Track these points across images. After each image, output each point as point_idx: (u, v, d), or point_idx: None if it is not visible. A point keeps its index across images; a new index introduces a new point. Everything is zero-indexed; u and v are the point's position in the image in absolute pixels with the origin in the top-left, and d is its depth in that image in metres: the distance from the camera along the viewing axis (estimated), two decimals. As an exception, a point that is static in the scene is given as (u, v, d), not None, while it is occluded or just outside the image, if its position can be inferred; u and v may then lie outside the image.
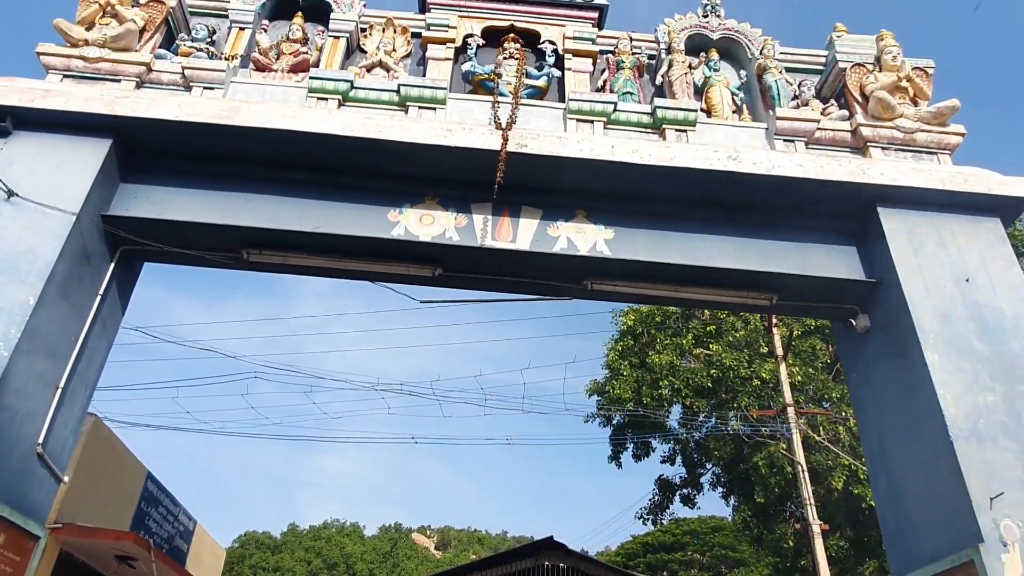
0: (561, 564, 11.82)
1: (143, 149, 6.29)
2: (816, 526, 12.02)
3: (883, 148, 6.43)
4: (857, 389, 6.42)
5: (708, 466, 20.15)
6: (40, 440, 5.51)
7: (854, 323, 6.20)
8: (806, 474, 12.79)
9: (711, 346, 17.95)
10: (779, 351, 14.58)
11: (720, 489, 20.17)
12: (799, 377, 16.36)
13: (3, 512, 5.06)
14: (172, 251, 6.34)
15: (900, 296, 5.67)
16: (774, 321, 15.05)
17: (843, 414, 15.67)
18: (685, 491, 20.50)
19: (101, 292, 6.12)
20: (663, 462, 20.33)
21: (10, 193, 5.71)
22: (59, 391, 5.69)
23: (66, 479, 6.06)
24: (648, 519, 20.97)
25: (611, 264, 6.24)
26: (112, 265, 6.29)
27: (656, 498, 20.69)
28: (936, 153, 6.45)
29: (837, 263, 6.21)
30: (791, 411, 13.52)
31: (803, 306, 6.68)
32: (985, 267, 5.78)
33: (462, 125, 6.29)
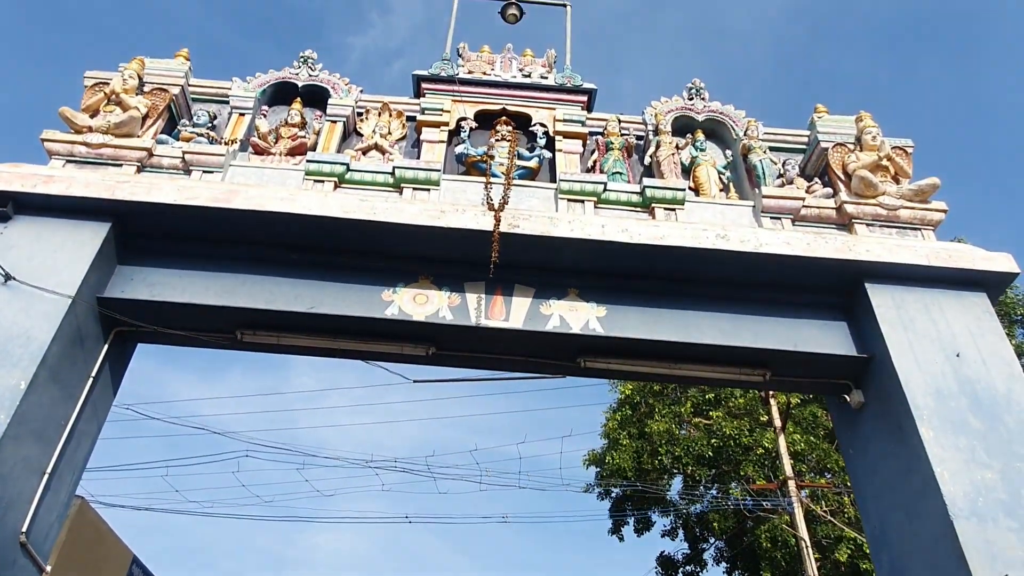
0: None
1: (141, 232, 6.38)
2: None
3: (868, 224, 6.56)
4: (854, 466, 6.36)
5: (711, 540, 19.67)
6: (24, 528, 5.40)
7: (848, 399, 6.20)
8: (810, 549, 12.50)
9: (711, 414, 17.81)
10: (777, 422, 14.46)
11: (724, 565, 19.63)
12: (801, 446, 16.17)
13: (-21, 607, 4.91)
14: (166, 332, 6.36)
15: (892, 371, 5.69)
16: (771, 393, 14.98)
17: (846, 485, 15.43)
18: (688, 568, 19.94)
19: (93, 374, 6.10)
20: (664, 536, 19.86)
21: (7, 277, 5.77)
22: (46, 476, 5.61)
23: (48, 568, 5.90)
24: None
25: (604, 342, 6.26)
26: (105, 347, 6.28)
27: (658, 576, 20.09)
28: (920, 229, 6.58)
29: (828, 339, 6.24)
30: (792, 484, 13.30)
31: (796, 382, 6.68)
32: (975, 342, 5.82)
33: (455, 206, 6.42)
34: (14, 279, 5.79)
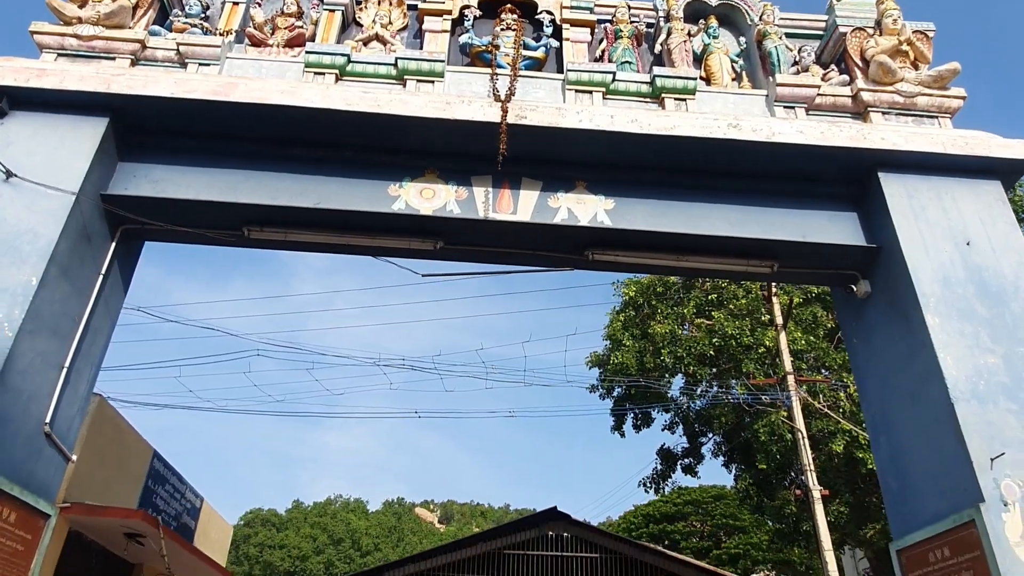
0: (565, 534, 11.96)
1: (140, 127, 6.25)
2: (816, 492, 12.16)
3: (884, 113, 6.40)
4: (857, 355, 6.45)
5: (709, 435, 20.35)
6: (47, 420, 5.55)
7: (855, 289, 6.22)
8: (806, 440, 12.91)
9: (713, 315, 18.03)
10: (779, 320, 14.63)
11: (721, 458, 20.39)
12: (801, 344, 16.44)
13: (13, 491, 5.11)
14: (173, 229, 6.33)
15: (901, 261, 5.69)
16: (774, 290, 15.07)
17: (843, 381, 15.79)
18: (687, 461, 20.71)
19: (103, 272, 6.12)
20: (664, 430, 20.53)
21: (8, 174, 5.69)
22: (64, 371, 5.72)
23: (74, 458, 6.11)
24: (651, 488, 21.19)
25: (612, 234, 6.24)
26: (113, 244, 6.28)
27: (658, 468, 20.91)
28: (937, 117, 6.43)
29: (838, 229, 6.21)
30: (791, 379, 13.59)
31: (804, 273, 6.69)
32: (986, 230, 5.79)
33: (461, 98, 6.25)
34: (16, 176, 5.72)
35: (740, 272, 6.62)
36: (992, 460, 4.78)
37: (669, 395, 19.78)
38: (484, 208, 6.19)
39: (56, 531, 8.07)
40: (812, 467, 12.75)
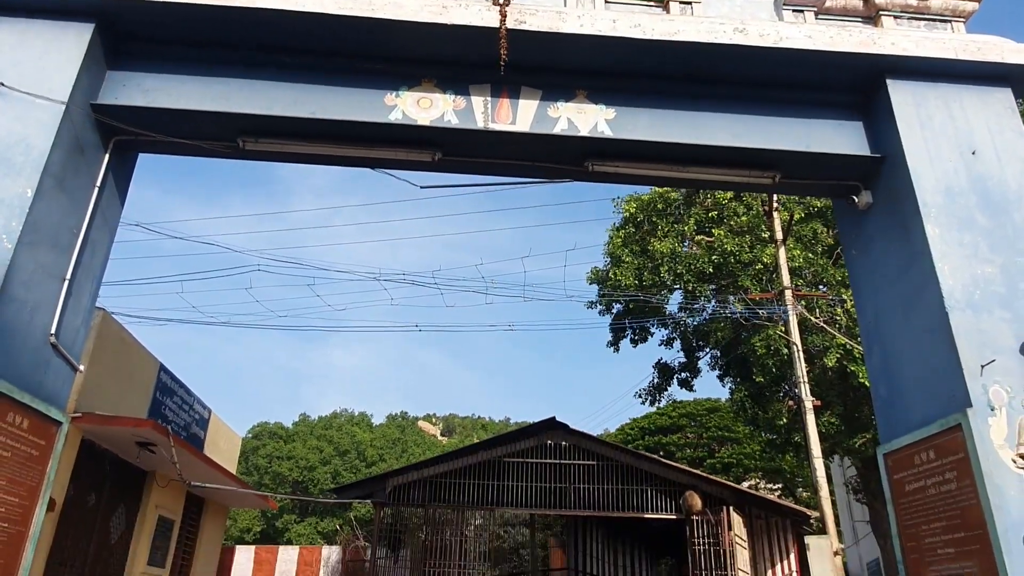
0: (563, 443, 12.33)
1: (128, 33, 6.06)
2: (809, 402, 12.47)
3: (895, 17, 6.19)
4: (855, 266, 6.47)
5: (706, 350, 20.68)
6: (52, 330, 5.62)
7: (856, 200, 6.18)
8: (801, 353, 13.14)
9: (713, 232, 18.00)
10: (779, 235, 14.61)
11: (717, 372, 20.80)
12: (799, 261, 16.50)
13: (23, 399, 5.22)
14: (166, 141, 6.23)
15: (904, 170, 5.63)
16: (775, 205, 14.99)
17: (841, 296, 15.92)
18: (683, 375, 21.13)
19: (98, 184, 6.06)
20: (661, 345, 20.85)
21: (-4, 83, 5.56)
22: (66, 282, 5.74)
23: (81, 368, 6.22)
24: (647, 400, 21.71)
25: (612, 144, 6.14)
26: (107, 156, 6.19)
27: (655, 381, 21.36)
28: (950, 21, 6.22)
29: (842, 138, 6.11)
30: (788, 294, 13.70)
31: (806, 184, 6.63)
32: (992, 139, 5.70)
33: (457, 1, 6.02)
34: (3, 85, 5.59)
35: (742, 183, 6.55)
36: (983, 367, 4.87)
37: (667, 312, 19.99)
38: (483, 118, 6.07)
39: (69, 439, 8.34)
40: (806, 379, 13.03)
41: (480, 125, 6.05)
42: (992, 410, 4.77)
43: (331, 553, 16.25)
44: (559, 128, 6.07)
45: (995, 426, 4.72)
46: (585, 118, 6.10)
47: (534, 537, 18.74)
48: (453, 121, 6.07)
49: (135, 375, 10.17)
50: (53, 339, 5.63)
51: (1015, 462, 4.59)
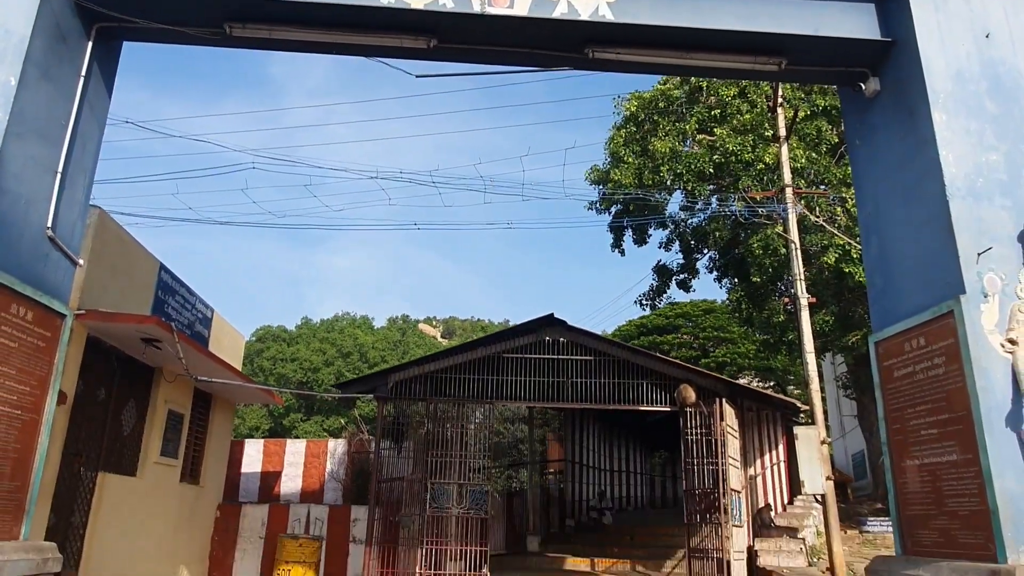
0: (561, 339, 12.54)
1: (101, -92, 5.72)
2: (804, 299, 12.60)
3: None
4: (858, 156, 6.38)
5: (704, 251, 20.74)
6: (48, 224, 5.60)
7: (863, 87, 6.02)
8: (799, 250, 13.16)
9: (715, 130, 17.66)
10: (782, 131, 14.33)
11: (715, 273, 20.93)
12: (802, 161, 16.28)
13: (26, 291, 5.27)
14: (150, 27, 5.99)
15: (915, 55, 5.45)
16: (779, 101, 14.63)
17: (841, 195, 15.80)
18: (681, 276, 21.27)
19: (83, 72, 5.89)
20: (660, 247, 20.88)
21: (-34, -38, 5.29)
22: (58, 175, 5.68)
23: (81, 262, 6.24)
24: (646, 305, 21.95)
25: (614, 29, 5.91)
26: (90, 44, 5.98)
27: (654, 284, 21.52)
28: None
29: (852, 22, 5.88)
30: (789, 191, 13.59)
31: (812, 71, 6.44)
32: (1008, 21, 5.49)
33: None
34: (-26, -35, 5.32)
35: (747, 70, 6.36)
36: (979, 255, 4.89)
37: (667, 212, 19.90)
38: (479, 2, 5.82)
39: (75, 336, 8.47)
40: (802, 277, 13.11)
41: (477, 9, 5.81)
42: (985, 297, 4.82)
43: (337, 446, 16.85)
44: (559, 12, 5.83)
45: (987, 312, 4.78)
46: (586, 1, 5.85)
47: (532, 431, 19.40)
48: (448, 5, 5.82)
49: (135, 274, 10.21)
50: (50, 232, 5.62)
51: (1003, 346, 4.68)
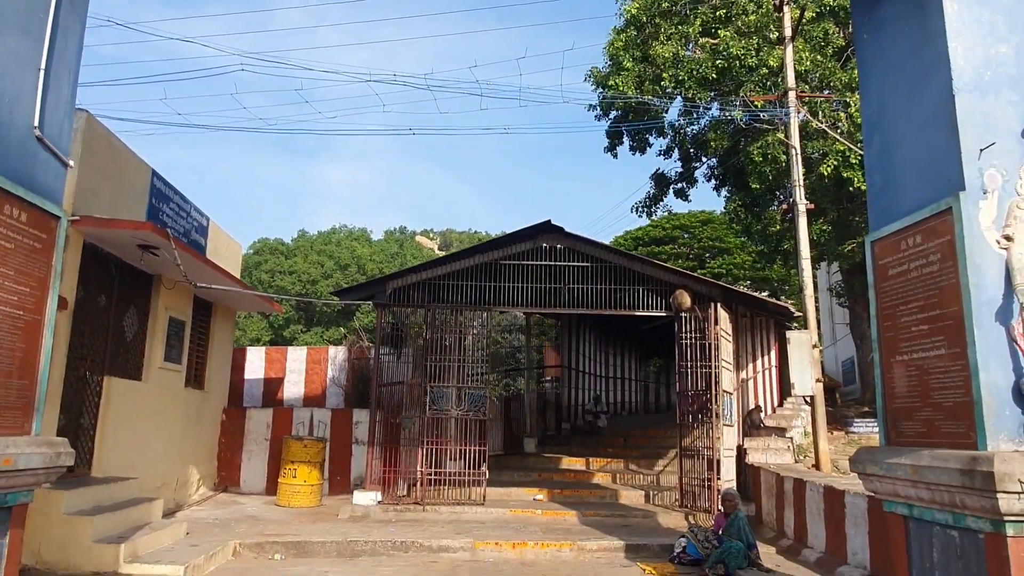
0: (558, 245, 12.54)
1: None
2: (802, 205, 12.54)
3: None
4: (865, 52, 6.19)
5: (703, 159, 20.49)
6: (35, 123, 5.48)
7: (874, -23, 5.78)
8: (799, 155, 13.00)
9: (719, 33, 17.11)
10: (788, 32, 13.88)
11: (714, 182, 20.75)
12: (807, 64, 15.84)
13: (17, 191, 5.21)
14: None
15: (929, -60, 5.20)
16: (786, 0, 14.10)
17: (845, 100, 15.48)
18: (679, 185, 21.10)
19: (58, -39, 5.63)
20: (659, 156, 20.63)
21: None
22: (42, 72, 5.51)
23: (71, 163, 6.15)
24: (643, 213, 21.86)
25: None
26: (64, -70, 5.69)
27: (651, 192, 21.37)
28: None
29: (866, -95, 5.59)
30: (792, 95, 13.29)
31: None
32: (1029, -97, 5.21)
33: None
34: None
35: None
36: (981, 151, 4.82)
37: (666, 119, 19.53)
38: None
39: (72, 243, 8.47)
40: (801, 183, 13.01)
41: None
42: (984, 193, 4.78)
43: (337, 353, 17.14)
44: None
45: (985, 208, 4.76)
46: None
47: (529, 339, 19.72)
48: None
49: (128, 180, 10.10)
50: (37, 132, 5.50)
51: (999, 243, 4.69)
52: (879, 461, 5.21)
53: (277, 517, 11.01)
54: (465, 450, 12.07)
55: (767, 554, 9.20)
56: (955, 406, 4.69)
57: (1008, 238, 4.68)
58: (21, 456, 4.99)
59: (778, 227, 18.54)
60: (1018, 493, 4.13)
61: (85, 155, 8.70)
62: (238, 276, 13.99)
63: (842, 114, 15.92)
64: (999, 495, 4.13)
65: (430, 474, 11.95)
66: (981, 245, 4.69)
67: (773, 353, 15.27)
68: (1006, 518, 4.17)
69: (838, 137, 14.87)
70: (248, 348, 17.80)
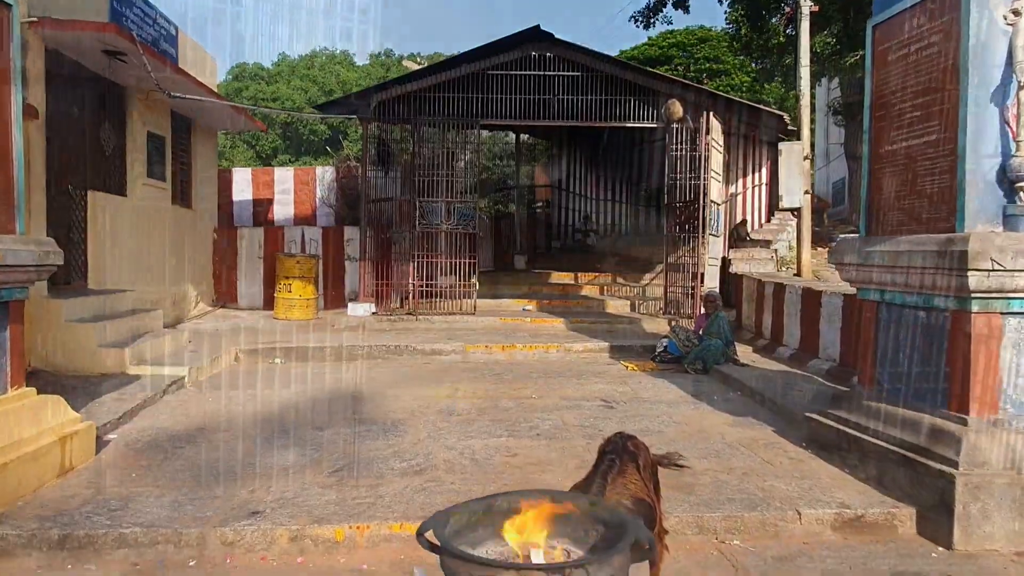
0: (548, 54, 11.96)
1: None
2: (807, 7, 11.84)
3: None
4: None
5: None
6: None
7: None
8: (808, -48, 12.11)
9: None
10: None
11: (715, -10, 19.49)
12: None
13: (-39, -28, 4.82)
14: None
15: None
16: None
17: None
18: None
19: None
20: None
21: None
22: None
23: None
24: (641, 23, 20.78)
25: None
26: None
27: (651, 2, 20.18)
28: None
29: None
30: None
31: None
32: None
33: None
34: None
35: None
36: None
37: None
38: None
39: (33, 48, 8.01)
40: (807, -17, 12.21)
41: None
42: (997, -36, 4.47)
43: (325, 172, 16.91)
44: None
45: None
46: None
47: (520, 159, 19.44)
48: None
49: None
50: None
51: (1006, 18, 4.46)
52: (858, 250, 5.31)
53: (276, 328, 11.41)
54: (456, 263, 12.26)
55: (744, 352, 9.69)
56: (939, 191, 4.69)
57: (1016, 12, 4.44)
58: (8, 252, 5.01)
59: (781, 39, 17.70)
60: (988, 271, 4.24)
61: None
62: (215, 91, 13.45)
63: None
64: (970, 272, 4.24)
65: (422, 287, 12.24)
66: (988, 20, 4.47)
67: (764, 171, 15.16)
68: (973, 295, 4.31)
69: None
70: (234, 169, 17.54)
